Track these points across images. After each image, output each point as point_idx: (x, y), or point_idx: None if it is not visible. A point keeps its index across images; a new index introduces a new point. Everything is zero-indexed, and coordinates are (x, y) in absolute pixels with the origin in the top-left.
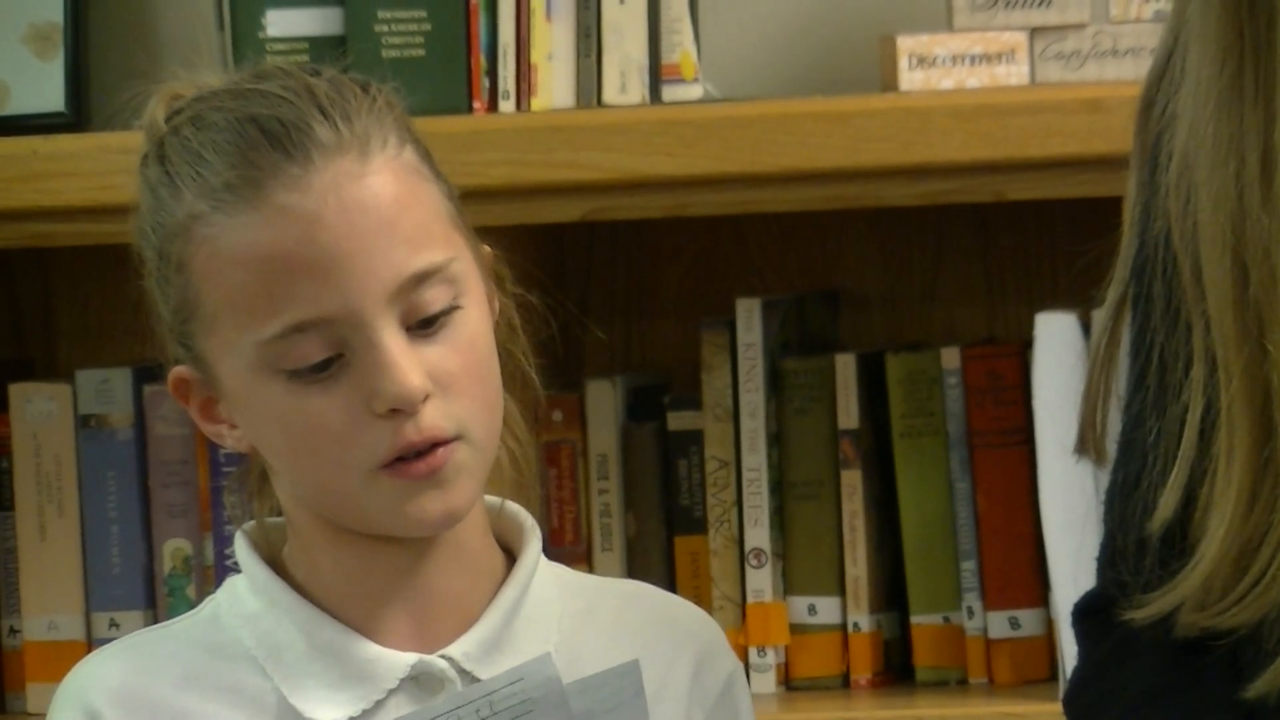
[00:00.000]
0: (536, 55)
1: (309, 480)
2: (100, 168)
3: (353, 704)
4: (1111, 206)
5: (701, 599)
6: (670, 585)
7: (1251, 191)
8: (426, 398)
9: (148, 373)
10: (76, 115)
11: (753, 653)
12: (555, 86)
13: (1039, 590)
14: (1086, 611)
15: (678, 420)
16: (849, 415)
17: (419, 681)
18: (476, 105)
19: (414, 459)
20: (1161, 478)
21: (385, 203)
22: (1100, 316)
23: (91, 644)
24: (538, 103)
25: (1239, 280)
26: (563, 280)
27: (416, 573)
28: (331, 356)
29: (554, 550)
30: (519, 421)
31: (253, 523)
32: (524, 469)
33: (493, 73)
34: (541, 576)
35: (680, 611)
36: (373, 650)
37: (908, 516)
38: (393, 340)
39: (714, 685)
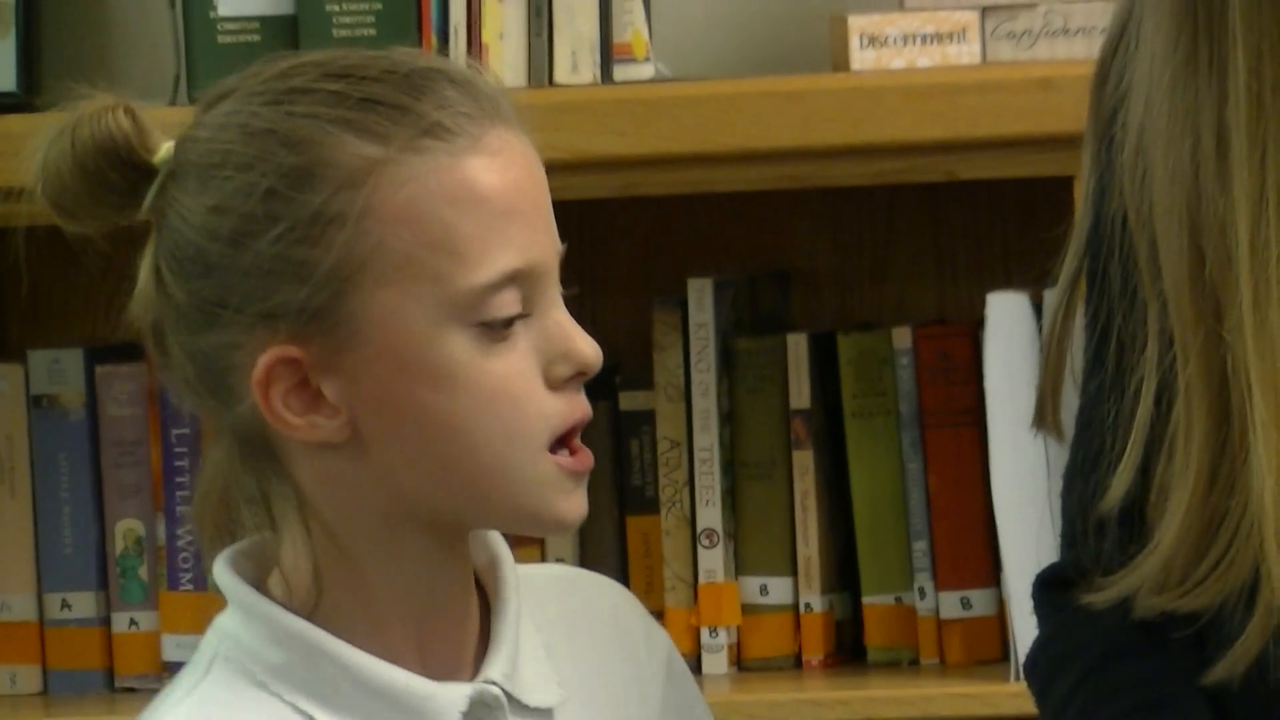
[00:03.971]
0: (488, 34)
1: (462, 458)
2: None
3: None
4: (1063, 186)
5: (653, 579)
6: (622, 565)
7: (1207, 169)
8: None
9: (100, 353)
10: (27, 95)
11: (705, 633)
12: (507, 66)
13: (991, 570)
14: (1049, 583)
15: (629, 400)
16: (800, 395)
17: (472, 712)
18: None
19: (577, 450)
20: (1117, 458)
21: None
22: (1055, 292)
23: (44, 624)
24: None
25: (1195, 260)
26: None
27: (453, 591)
28: (521, 314)
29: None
30: None
31: (231, 549)
32: None
33: (444, 52)
34: None
35: (610, 591)
36: (429, 687)
37: (859, 496)
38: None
39: (662, 655)
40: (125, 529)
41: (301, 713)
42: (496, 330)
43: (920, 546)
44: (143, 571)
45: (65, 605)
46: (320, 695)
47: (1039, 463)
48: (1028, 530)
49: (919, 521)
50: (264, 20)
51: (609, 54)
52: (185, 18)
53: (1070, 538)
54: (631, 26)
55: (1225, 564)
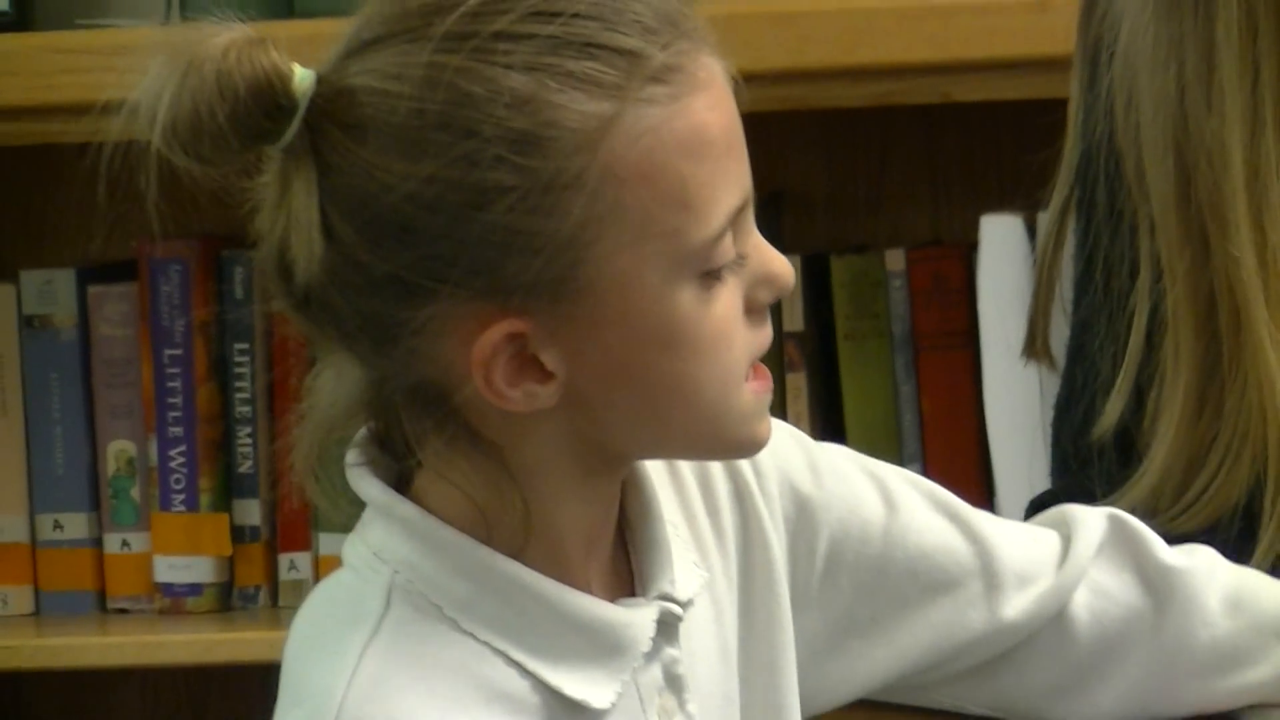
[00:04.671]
0: None
1: (682, 407)
2: (44, 67)
3: (613, 677)
4: (1057, 108)
5: None
6: None
7: (1193, 93)
8: None
9: (91, 273)
10: (20, 14)
11: None
12: None
13: (984, 493)
14: (1040, 508)
15: None
16: (793, 318)
17: (659, 632)
18: None
19: (761, 373)
20: (1109, 384)
21: None
22: (1045, 220)
23: (36, 546)
24: None
25: (1182, 182)
26: None
27: (613, 509)
28: (738, 255)
29: None
30: None
31: (361, 462)
32: None
33: None
34: None
35: None
36: (624, 615)
37: (852, 419)
38: None
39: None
40: (117, 450)
41: (498, 651)
42: (717, 275)
43: (913, 469)
44: (134, 493)
45: (57, 526)
46: (514, 631)
47: (1032, 386)
48: (1020, 453)
49: (912, 444)
50: None
51: None
52: None
53: (1063, 464)
54: None
55: (1216, 485)
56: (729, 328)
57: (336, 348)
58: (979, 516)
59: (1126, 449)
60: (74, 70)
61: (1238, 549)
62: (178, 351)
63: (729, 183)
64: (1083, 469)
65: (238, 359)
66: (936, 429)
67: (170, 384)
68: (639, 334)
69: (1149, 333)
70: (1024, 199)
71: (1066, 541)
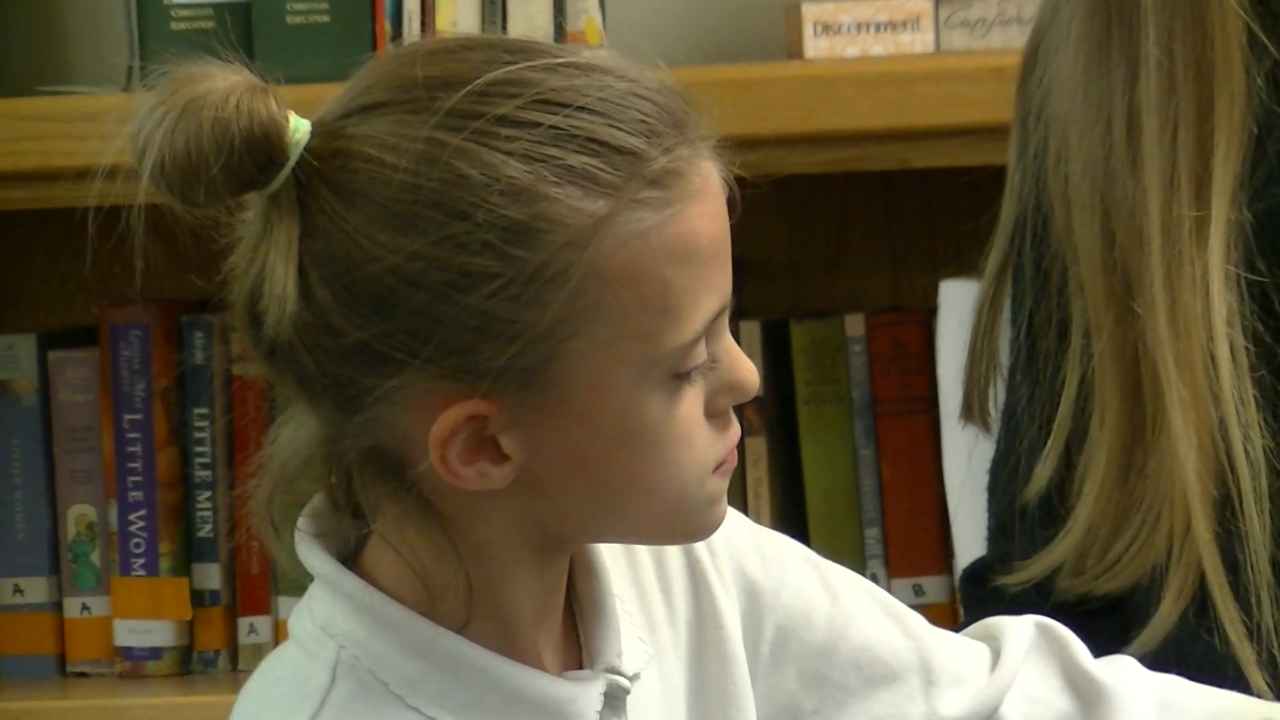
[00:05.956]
0: (441, 22)
1: (639, 500)
2: (4, 134)
3: None
4: None
5: None
6: None
7: (1118, 153)
8: None
9: (53, 338)
10: None
11: None
12: None
13: (943, 558)
14: (972, 578)
15: None
16: None
17: (607, 704)
18: None
19: (730, 458)
20: (1037, 446)
21: None
22: (981, 285)
23: None
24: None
25: (1107, 242)
26: None
27: (563, 582)
28: (708, 359)
29: None
30: None
31: (309, 533)
32: None
33: (397, 40)
34: None
35: None
36: (570, 689)
37: (812, 484)
38: None
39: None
40: (77, 514)
41: None
42: (686, 377)
43: (873, 534)
44: (95, 557)
45: (17, 590)
46: (461, 707)
47: (991, 451)
48: (979, 518)
49: (871, 509)
50: (217, 7)
51: (563, 42)
52: (139, 4)
53: (996, 530)
54: (585, 14)
55: (1138, 545)
56: (692, 428)
57: (297, 398)
58: (914, 616)
59: (1052, 510)
60: (35, 137)
61: (1159, 604)
62: (138, 416)
63: (711, 290)
64: (1012, 533)
65: (198, 424)
66: (896, 494)
67: (130, 449)
68: (602, 429)
69: (1079, 395)
70: (983, 265)
71: (996, 650)
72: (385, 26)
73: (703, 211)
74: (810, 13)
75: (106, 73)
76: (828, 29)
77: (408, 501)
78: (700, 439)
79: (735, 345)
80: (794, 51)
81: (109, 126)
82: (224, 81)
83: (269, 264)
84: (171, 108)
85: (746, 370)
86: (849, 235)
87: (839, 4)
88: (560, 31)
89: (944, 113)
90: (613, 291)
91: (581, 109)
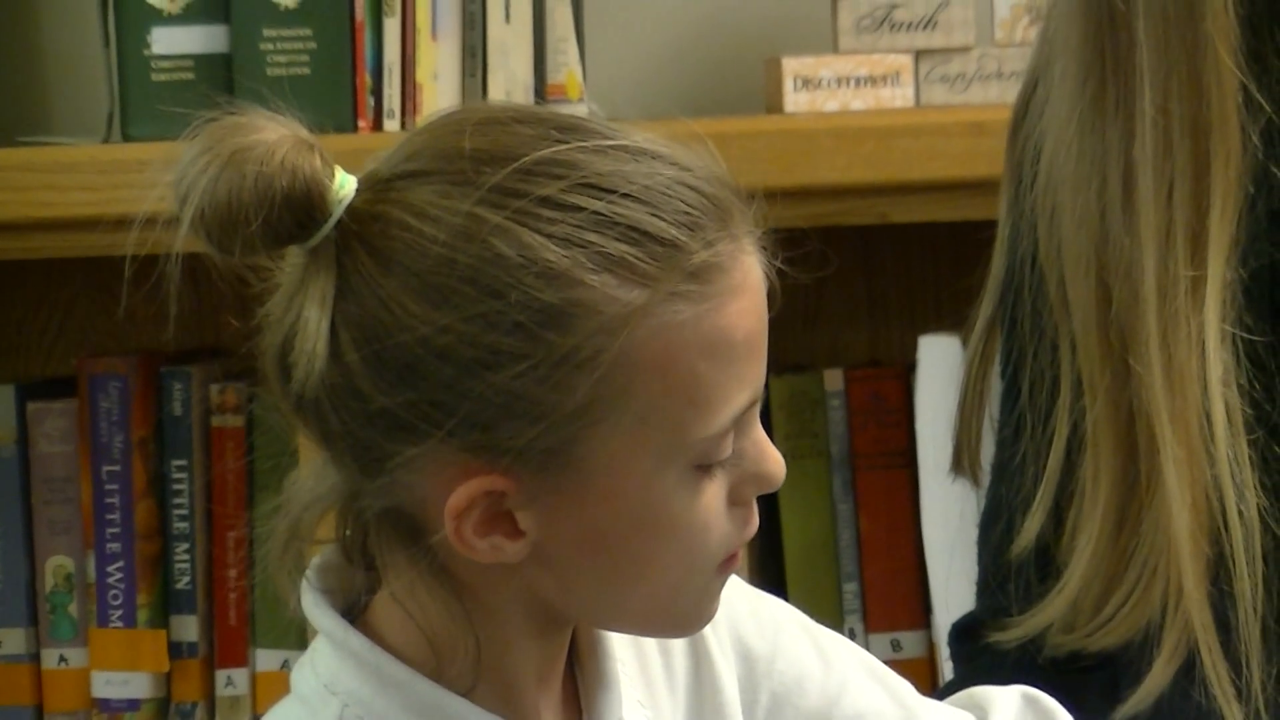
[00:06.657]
0: (422, 74)
1: (644, 583)
2: None
3: None
4: (994, 229)
5: None
6: None
7: (1113, 210)
8: None
9: (31, 389)
10: None
11: None
12: (440, 106)
13: (921, 612)
14: (962, 633)
15: None
16: None
17: None
18: (361, 124)
19: (736, 556)
20: (1028, 501)
21: None
22: (972, 337)
23: None
24: (423, 122)
25: (1103, 300)
26: None
27: (565, 645)
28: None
29: None
30: None
31: (315, 588)
32: None
33: (378, 92)
34: None
35: None
36: None
37: (790, 537)
38: None
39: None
40: (55, 565)
41: None
42: (709, 469)
43: (851, 588)
44: (73, 608)
45: None
46: None
47: (969, 505)
48: (958, 573)
49: (849, 563)
50: (198, 59)
51: (543, 95)
52: (119, 56)
53: (985, 585)
54: (566, 67)
55: (1132, 603)
56: (710, 519)
57: (320, 450)
58: (904, 683)
59: (1044, 566)
60: (15, 188)
61: (1153, 662)
62: (116, 468)
63: (742, 384)
64: (1001, 587)
65: (176, 475)
66: (874, 548)
67: (109, 500)
68: (620, 513)
69: (1068, 450)
70: (961, 319)
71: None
72: (365, 78)
73: (741, 307)
74: (790, 67)
75: (86, 124)
76: (808, 83)
77: (423, 565)
78: (716, 530)
79: (765, 436)
80: (774, 105)
81: (89, 177)
82: (272, 135)
83: (303, 318)
84: (216, 156)
85: (774, 463)
86: (828, 289)
87: (819, 58)
88: (541, 83)
89: (923, 167)
90: (642, 380)
91: (626, 195)
